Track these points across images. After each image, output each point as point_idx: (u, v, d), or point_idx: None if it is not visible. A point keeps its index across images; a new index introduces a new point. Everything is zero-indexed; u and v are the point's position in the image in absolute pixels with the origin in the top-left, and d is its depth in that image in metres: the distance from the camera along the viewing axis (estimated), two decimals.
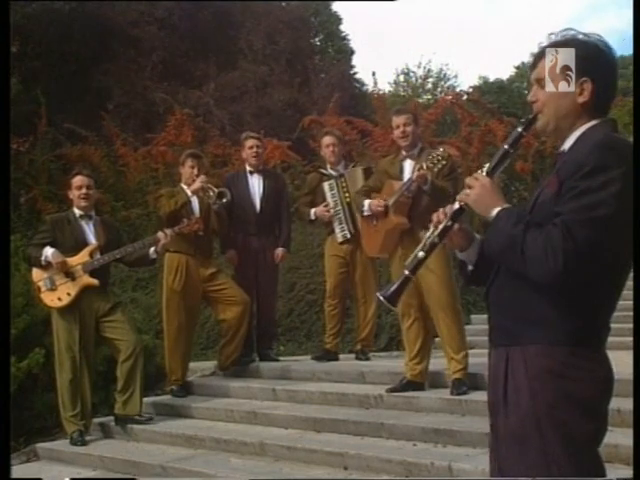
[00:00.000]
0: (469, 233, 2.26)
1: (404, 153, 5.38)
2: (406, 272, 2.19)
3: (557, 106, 2.07)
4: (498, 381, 2.05)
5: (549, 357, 1.96)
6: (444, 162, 4.94)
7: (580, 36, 2.09)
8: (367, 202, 5.40)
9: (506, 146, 2.15)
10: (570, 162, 1.97)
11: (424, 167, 4.94)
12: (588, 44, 2.07)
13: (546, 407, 1.95)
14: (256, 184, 6.59)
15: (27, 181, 10.68)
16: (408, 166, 5.30)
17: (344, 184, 6.41)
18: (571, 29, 2.12)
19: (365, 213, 5.44)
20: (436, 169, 4.95)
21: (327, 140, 6.57)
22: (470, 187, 2.10)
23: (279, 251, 6.57)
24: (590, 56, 2.05)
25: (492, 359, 2.13)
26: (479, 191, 2.08)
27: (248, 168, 6.65)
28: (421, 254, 2.19)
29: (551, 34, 2.12)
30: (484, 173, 2.12)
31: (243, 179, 6.63)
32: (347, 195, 6.37)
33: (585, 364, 1.97)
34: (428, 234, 2.20)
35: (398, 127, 5.32)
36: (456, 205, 2.16)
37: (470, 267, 2.30)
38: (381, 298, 2.20)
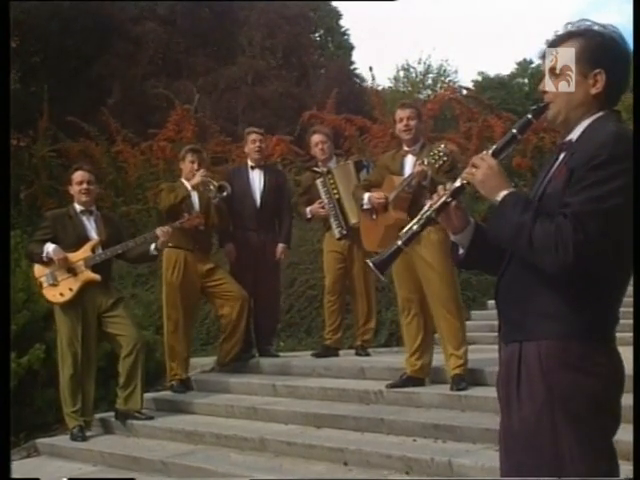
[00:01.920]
0: (466, 215, 2.24)
1: (406, 148, 5.36)
2: (399, 242, 2.18)
3: (569, 97, 2.06)
4: (511, 376, 2.04)
5: (564, 351, 1.96)
6: (445, 158, 4.90)
7: (596, 27, 2.08)
8: (367, 195, 5.39)
9: (514, 130, 2.13)
10: (581, 153, 1.96)
11: (425, 163, 4.92)
12: (604, 35, 2.06)
13: (561, 401, 1.95)
14: (257, 179, 6.60)
15: (27, 177, 10.67)
16: (409, 162, 5.28)
17: (332, 180, 6.42)
18: (587, 20, 2.11)
19: (365, 206, 5.43)
20: (437, 165, 4.92)
21: (315, 138, 6.56)
22: (476, 166, 2.08)
23: (280, 247, 6.57)
24: (605, 47, 2.04)
25: (503, 355, 2.11)
26: (486, 171, 2.06)
27: (250, 163, 6.67)
28: (416, 227, 2.18)
29: (567, 24, 2.11)
30: (490, 153, 2.10)
31: (244, 174, 6.63)
32: (335, 192, 6.39)
33: (599, 358, 1.98)
34: (426, 208, 2.19)
35: (401, 120, 5.29)
36: (457, 182, 2.15)
37: (462, 251, 2.29)
38: (371, 265, 2.19)
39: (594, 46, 2.04)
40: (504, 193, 2.02)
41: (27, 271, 6.26)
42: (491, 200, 2.06)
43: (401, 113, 5.32)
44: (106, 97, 14.05)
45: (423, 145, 5.34)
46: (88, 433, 5.59)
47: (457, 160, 5.06)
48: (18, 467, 5.11)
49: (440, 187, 2.20)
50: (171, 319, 6.16)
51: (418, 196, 5.09)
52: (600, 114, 2.05)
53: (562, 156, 2.08)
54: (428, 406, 5.02)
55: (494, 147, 2.12)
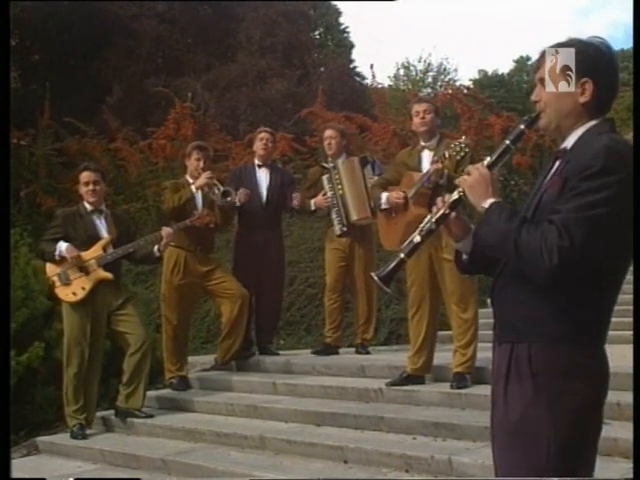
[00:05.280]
0: (466, 223, 2.30)
1: (422, 143, 5.34)
2: (401, 255, 2.24)
3: (559, 106, 2.11)
4: (500, 375, 2.08)
5: (555, 354, 1.99)
6: (466, 150, 4.88)
7: (583, 39, 2.13)
8: (385, 195, 5.35)
9: (507, 142, 2.19)
10: (575, 163, 2.00)
11: (446, 155, 4.89)
12: (589, 45, 2.11)
13: (548, 402, 1.97)
14: (263, 177, 6.64)
15: (27, 175, 10.65)
16: (426, 157, 5.26)
17: (337, 176, 6.44)
18: (575, 38, 2.16)
19: (383, 206, 5.39)
20: (458, 157, 4.89)
21: (326, 133, 6.65)
22: (469, 174, 2.14)
23: (296, 195, 6.47)
24: (591, 57, 2.09)
25: (496, 354, 2.15)
26: (477, 178, 2.11)
27: (257, 161, 6.70)
28: (417, 238, 2.23)
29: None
30: (485, 165, 2.16)
31: (251, 172, 6.68)
32: (340, 187, 6.40)
33: (588, 362, 2.01)
34: (426, 220, 2.26)
35: (418, 114, 5.28)
36: (455, 195, 2.20)
37: (464, 257, 2.34)
38: (375, 278, 2.24)
39: (580, 56, 2.08)
40: (491, 201, 2.08)
41: (25, 269, 6.27)
42: (478, 208, 2.11)
43: (417, 107, 5.31)
44: (106, 94, 14.02)
45: (440, 140, 5.32)
46: (88, 431, 5.60)
47: (474, 158, 5.04)
48: (18, 465, 5.10)
49: (439, 199, 2.26)
50: (169, 322, 6.19)
51: (438, 191, 5.02)
52: (593, 123, 2.10)
53: (557, 164, 2.12)
54: (428, 404, 5.03)
55: (488, 159, 2.18)
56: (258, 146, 6.70)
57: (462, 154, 4.86)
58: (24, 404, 5.86)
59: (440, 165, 4.91)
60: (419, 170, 5.24)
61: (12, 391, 4.40)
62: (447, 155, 4.87)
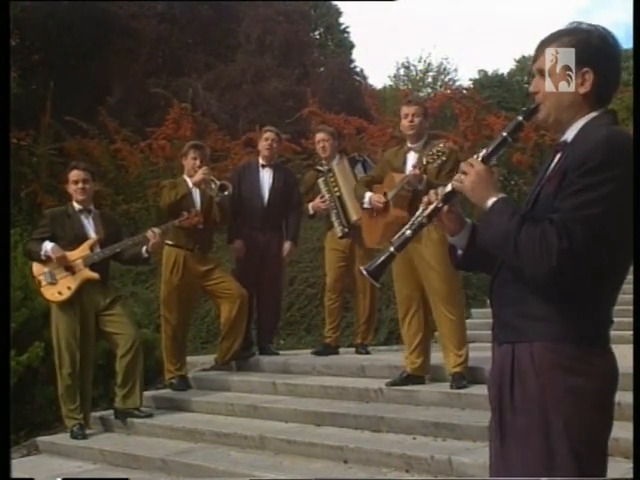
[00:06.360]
0: (461, 217, 2.23)
1: (409, 145, 5.35)
2: (391, 249, 2.19)
3: (559, 98, 2.04)
4: (504, 377, 2.03)
5: (557, 352, 1.95)
6: (444, 158, 4.91)
7: (585, 26, 2.06)
8: (368, 195, 5.39)
9: (505, 133, 2.12)
10: (574, 157, 1.95)
11: (424, 162, 4.93)
12: (591, 34, 2.04)
13: (553, 401, 1.94)
14: (266, 177, 6.62)
15: (28, 175, 10.65)
16: (411, 159, 5.27)
17: (332, 178, 6.44)
18: (578, 22, 2.09)
19: (365, 205, 5.44)
20: (436, 164, 4.93)
21: (318, 136, 6.66)
22: (465, 173, 2.07)
23: (286, 244, 6.60)
24: (593, 46, 2.02)
25: (497, 355, 2.10)
26: (474, 179, 2.05)
27: (261, 161, 6.69)
28: (408, 232, 2.18)
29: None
30: (479, 159, 2.09)
31: (254, 171, 6.66)
32: (336, 189, 6.41)
33: (591, 359, 1.96)
34: (418, 213, 2.19)
35: (407, 116, 5.28)
36: (448, 187, 2.14)
37: (459, 252, 2.28)
38: (364, 272, 2.20)
39: (581, 45, 2.01)
40: (492, 200, 2.02)
41: (24, 269, 6.26)
42: (481, 207, 2.06)
43: (406, 109, 5.32)
44: (106, 94, 14.01)
45: (426, 142, 5.32)
46: (88, 431, 5.59)
47: (459, 160, 5.07)
48: (18, 465, 5.10)
49: (432, 191, 2.19)
50: (169, 322, 6.18)
51: (419, 194, 5.09)
52: (594, 114, 2.03)
53: (557, 158, 2.06)
54: (428, 404, 5.03)
55: (484, 152, 2.11)
56: (263, 146, 6.68)
57: (439, 162, 4.90)
58: (24, 404, 5.86)
59: (418, 171, 4.94)
60: (403, 171, 5.26)
61: (12, 391, 4.40)
62: (425, 162, 4.91)
